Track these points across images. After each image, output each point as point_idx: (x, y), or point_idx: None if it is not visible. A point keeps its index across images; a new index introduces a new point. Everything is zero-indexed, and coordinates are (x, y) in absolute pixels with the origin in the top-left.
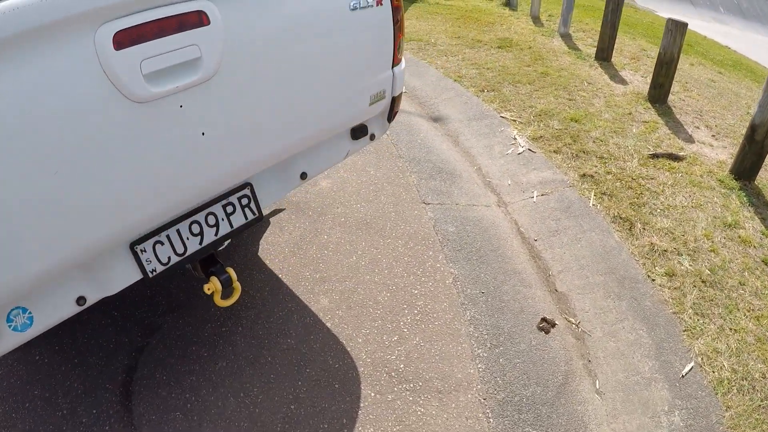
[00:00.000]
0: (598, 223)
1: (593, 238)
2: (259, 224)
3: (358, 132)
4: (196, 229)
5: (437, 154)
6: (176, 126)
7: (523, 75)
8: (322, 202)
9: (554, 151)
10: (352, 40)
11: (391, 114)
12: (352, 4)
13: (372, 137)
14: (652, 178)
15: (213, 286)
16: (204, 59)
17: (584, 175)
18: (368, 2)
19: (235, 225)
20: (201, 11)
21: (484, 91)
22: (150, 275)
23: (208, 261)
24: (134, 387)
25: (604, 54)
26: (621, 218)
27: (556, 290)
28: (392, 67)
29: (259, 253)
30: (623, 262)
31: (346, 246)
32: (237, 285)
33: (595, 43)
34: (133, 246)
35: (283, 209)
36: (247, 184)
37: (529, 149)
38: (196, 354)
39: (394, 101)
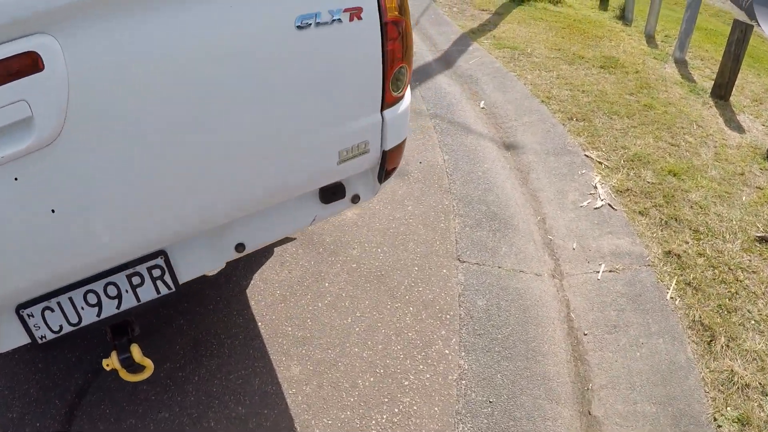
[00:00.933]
0: (671, 325)
1: (659, 346)
2: (262, 254)
3: (330, 194)
4: (92, 299)
5: (496, 194)
6: (13, 203)
7: (623, 105)
8: (338, 237)
9: (640, 212)
10: (298, 74)
11: (383, 173)
12: (299, 19)
13: (356, 199)
14: (755, 272)
15: (111, 362)
16: (37, 119)
17: (670, 252)
18: (332, 16)
19: (144, 299)
20: (33, 53)
21: (573, 119)
22: (39, 341)
23: (119, 329)
24: (78, 412)
25: (721, 91)
26: (702, 325)
27: (590, 413)
28: (382, 110)
29: (248, 290)
30: (688, 391)
31: (345, 302)
32: (146, 362)
33: (713, 76)
34: (19, 309)
35: (293, 239)
36: (160, 253)
37: (609, 204)
38: (144, 394)
39: (387, 156)
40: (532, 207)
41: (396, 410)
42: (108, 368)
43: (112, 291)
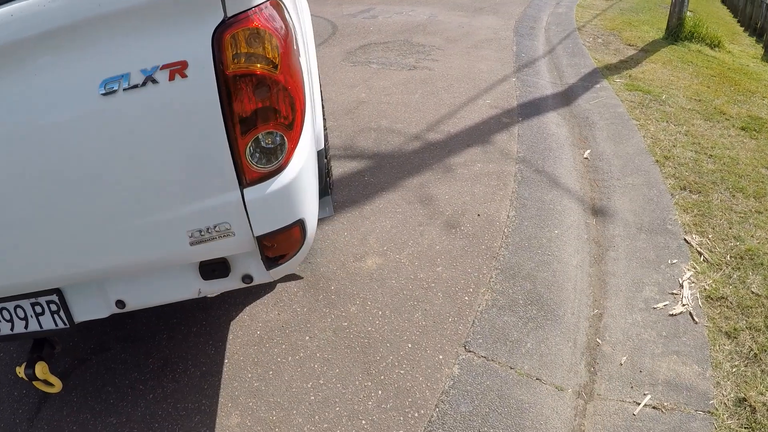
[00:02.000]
0: None
1: None
2: (263, 287)
3: (210, 270)
4: (6, 315)
5: (553, 271)
6: None
7: (755, 180)
8: (345, 287)
9: (727, 333)
10: (112, 148)
11: (270, 259)
12: (103, 84)
13: (247, 279)
14: None
15: (20, 372)
16: None
17: (744, 401)
18: (145, 76)
19: (45, 327)
20: None
21: (686, 189)
22: None
23: (39, 344)
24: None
25: None
26: None
27: None
28: (242, 188)
29: (233, 321)
30: None
31: (315, 364)
32: (53, 380)
33: None
34: None
35: (301, 278)
36: (54, 291)
37: (691, 313)
38: (107, 395)
39: (264, 242)
40: (592, 296)
41: None
42: (19, 375)
43: (20, 313)
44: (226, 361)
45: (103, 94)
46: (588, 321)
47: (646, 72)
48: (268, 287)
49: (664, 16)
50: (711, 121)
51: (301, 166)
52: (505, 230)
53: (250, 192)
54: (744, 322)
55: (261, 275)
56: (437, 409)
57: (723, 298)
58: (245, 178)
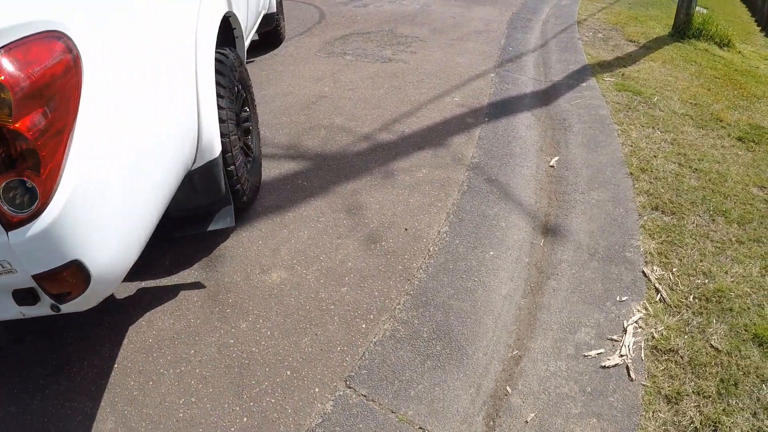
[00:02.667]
0: None
1: None
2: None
3: (20, 297)
4: None
5: (473, 301)
6: None
7: (741, 202)
8: (243, 302)
9: (667, 397)
10: None
11: (55, 296)
12: None
13: (55, 308)
14: None
15: None
16: None
17: None
18: None
19: None
20: None
21: (657, 209)
22: None
23: None
24: None
25: None
26: None
27: None
28: (7, 230)
29: (132, 326)
30: None
31: (192, 380)
32: None
33: None
34: None
35: (203, 287)
36: None
37: (628, 367)
38: (14, 384)
39: (44, 281)
40: (515, 333)
41: None
42: None
43: None
44: (115, 366)
45: None
46: (502, 364)
47: (641, 71)
48: (170, 294)
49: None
50: (704, 128)
51: (66, 209)
52: (431, 248)
53: (13, 235)
54: (692, 384)
55: (66, 306)
56: None
57: (673, 350)
58: (6, 222)
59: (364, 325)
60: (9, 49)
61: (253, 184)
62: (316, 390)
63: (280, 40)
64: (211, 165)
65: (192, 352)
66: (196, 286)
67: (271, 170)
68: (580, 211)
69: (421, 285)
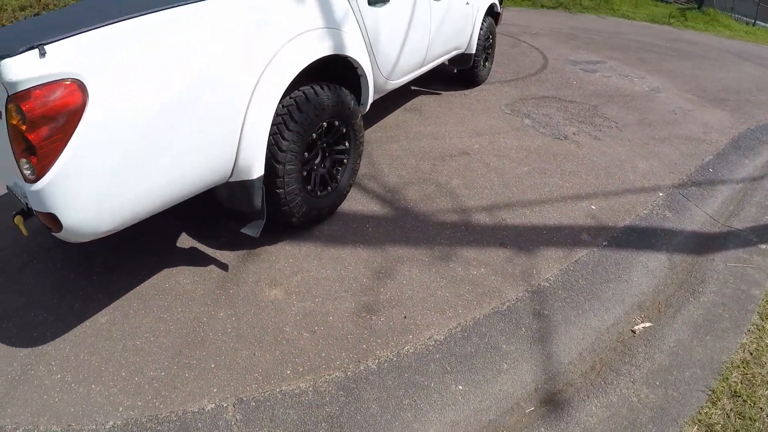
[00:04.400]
0: None
1: None
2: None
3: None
4: None
5: None
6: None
7: None
8: (238, 296)
9: None
10: None
11: (47, 227)
12: None
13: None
14: None
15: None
16: None
17: None
18: None
19: None
20: None
21: None
22: None
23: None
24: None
25: None
26: None
27: None
28: (27, 183)
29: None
30: None
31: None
32: (23, 228)
33: None
34: None
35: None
36: None
37: None
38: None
39: (39, 216)
40: None
41: None
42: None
43: None
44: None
45: None
46: None
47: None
48: (203, 260)
49: None
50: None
51: (50, 184)
52: (407, 350)
53: (27, 187)
54: None
55: (57, 235)
56: None
57: None
58: (25, 179)
59: (288, 372)
60: (36, 89)
61: (316, 210)
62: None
63: (477, 83)
64: (246, 184)
65: (180, 309)
66: (222, 266)
67: (354, 203)
68: (605, 405)
69: (357, 378)
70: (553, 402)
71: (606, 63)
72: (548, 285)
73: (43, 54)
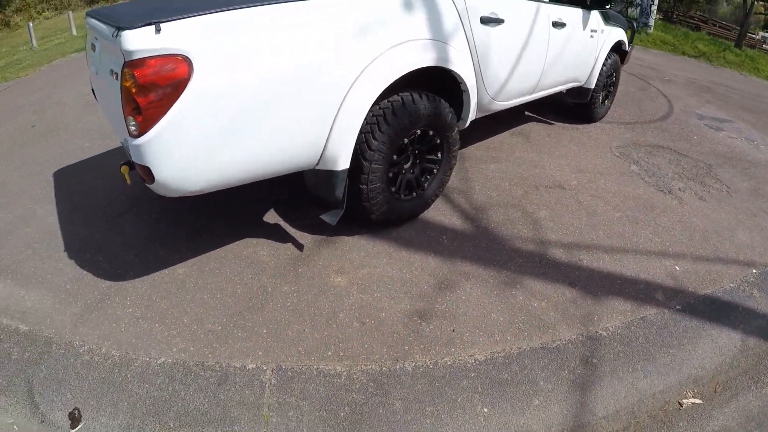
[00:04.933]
0: None
1: None
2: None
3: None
4: None
5: None
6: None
7: None
8: (304, 276)
9: None
10: None
11: (142, 178)
12: None
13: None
14: None
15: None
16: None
17: None
18: None
19: None
20: None
21: None
22: None
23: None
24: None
25: None
26: None
27: None
28: (130, 138)
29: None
30: None
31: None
32: (128, 177)
33: None
34: None
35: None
36: None
37: None
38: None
39: (137, 167)
40: None
41: None
42: (121, 171)
43: None
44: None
45: None
46: None
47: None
48: (283, 237)
49: None
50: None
51: (150, 141)
52: (446, 362)
53: (130, 141)
54: None
55: (150, 187)
56: None
57: None
58: (130, 134)
59: (330, 353)
60: (149, 59)
61: (397, 212)
62: None
63: (592, 119)
64: (330, 173)
65: (250, 276)
66: (299, 245)
67: (437, 213)
68: None
69: (390, 374)
70: None
71: (734, 123)
72: (606, 335)
73: (158, 30)
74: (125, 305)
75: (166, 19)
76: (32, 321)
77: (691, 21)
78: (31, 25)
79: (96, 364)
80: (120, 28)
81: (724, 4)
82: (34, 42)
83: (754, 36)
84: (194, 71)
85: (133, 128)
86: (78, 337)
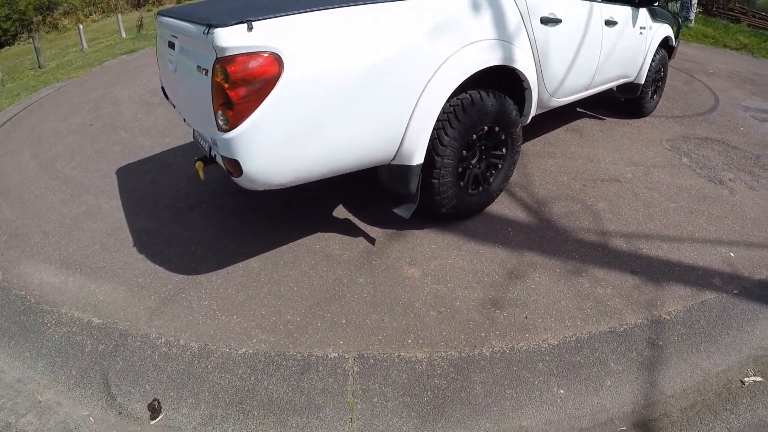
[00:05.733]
0: None
1: None
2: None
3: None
4: None
5: None
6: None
7: None
8: (379, 268)
9: None
10: None
11: (229, 172)
12: None
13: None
14: None
15: (198, 164)
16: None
17: None
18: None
19: None
20: None
21: None
22: None
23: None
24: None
25: None
26: None
27: None
28: (219, 132)
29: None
30: None
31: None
32: (202, 174)
33: None
34: None
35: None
36: None
37: None
38: (221, 216)
39: (224, 161)
40: None
41: None
42: (195, 166)
43: None
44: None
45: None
46: None
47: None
48: (354, 231)
49: None
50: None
51: (239, 136)
52: (527, 358)
53: (219, 135)
54: None
55: (236, 181)
56: None
57: None
58: (219, 128)
59: (410, 341)
60: (241, 56)
61: (465, 206)
62: None
63: (642, 114)
64: (405, 168)
65: (325, 268)
66: (370, 239)
67: (502, 207)
68: None
69: (470, 360)
70: (646, 428)
71: None
72: (669, 318)
73: (250, 28)
74: (201, 298)
75: (258, 18)
76: (105, 314)
77: (731, 13)
78: (80, 27)
79: (174, 355)
80: (211, 26)
81: None
82: (85, 44)
83: None
84: (284, 68)
85: (223, 122)
86: (154, 330)
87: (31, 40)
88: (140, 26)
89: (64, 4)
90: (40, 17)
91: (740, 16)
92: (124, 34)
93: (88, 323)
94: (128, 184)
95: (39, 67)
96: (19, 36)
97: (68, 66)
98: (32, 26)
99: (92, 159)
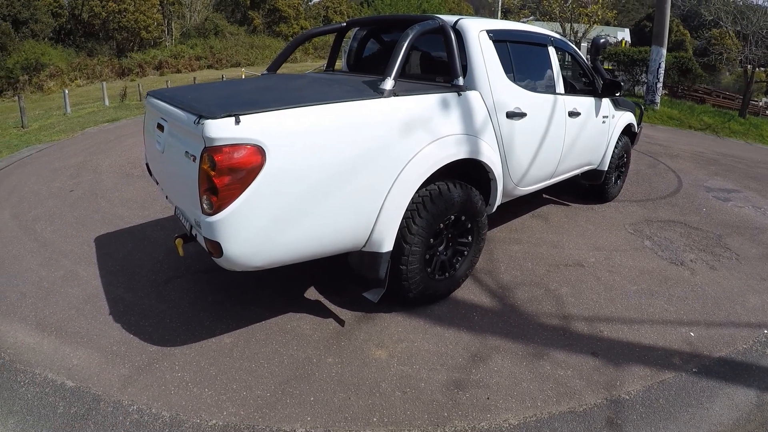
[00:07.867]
0: None
1: None
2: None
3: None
4: None
5: None
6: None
7: None
8: (347, 348)
9: None
10: None
11: (210, 252)
12: None
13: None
14: None
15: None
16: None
17: None
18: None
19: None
20: None
21: None
22: None
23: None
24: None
25: None
26: None
27: None
28: (203, 215)
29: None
30: None
31: None
32: (181, 250)
33: None
34: None
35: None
36: None
37: None
38: (198, 291)
39: (206, 243)
40: None
41: None
42: (175, 242)
43: None
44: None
45: None
46: None
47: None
48: (323, 312)
49: None
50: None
51: (221, 221)
52: None
53: (203, 217)
54: None
55: (216, 261)
56: None
57: None
58: (203, 212)
59: (375, 419)
60: (228, 147)
61: (432, 291)
62: None
63: (606, 199)
64: (375, 254)
65: (295, 347)
66: (340, 321)
67: (467, 292)
68: None
69: None
70: None
71: (741, 192)
72: (628, 398)
73: (238, 122)
74: (174, 369)
75: (244, 112)
76: (79, 378)
77: (696, 94)
78: (66, 92)
79: (146, 423)
80: (202, 116)
81: (727, 74)
82: (68, 108)
83: (756, 103)
84: (267, 159)
85: (207, 206)
86: (127, 397)
87: (16, 98)
88: (123, 96)
89: (51, 67)
90: (26, 77)
91: (705, 96)
92: (107, 102)
93: (61, 385)
94: (106, 253)
95: (22, 127)
96: (4, 93)
97: (51, 128)
98: (18, 84)
99: (72, 225)
